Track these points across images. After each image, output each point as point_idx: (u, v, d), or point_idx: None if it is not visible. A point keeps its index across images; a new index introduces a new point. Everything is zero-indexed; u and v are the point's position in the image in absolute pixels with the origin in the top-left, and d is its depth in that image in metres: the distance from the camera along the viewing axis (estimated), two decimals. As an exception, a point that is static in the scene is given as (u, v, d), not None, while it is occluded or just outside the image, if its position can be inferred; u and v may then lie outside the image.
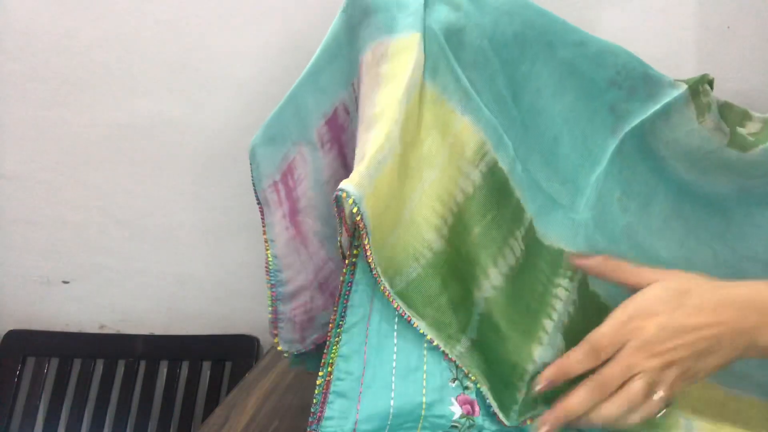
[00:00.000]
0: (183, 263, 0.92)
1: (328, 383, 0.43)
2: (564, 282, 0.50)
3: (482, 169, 0.47)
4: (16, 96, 0.88)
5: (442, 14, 0.45)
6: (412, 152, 0.44)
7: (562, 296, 0.49)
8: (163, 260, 0.92)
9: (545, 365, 0.43)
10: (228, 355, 0.91)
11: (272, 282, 0.52)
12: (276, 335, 0.52)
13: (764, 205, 0.52)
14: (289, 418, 0.60)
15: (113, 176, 0.89)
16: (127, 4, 0.83)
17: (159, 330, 0.94)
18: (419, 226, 0.44)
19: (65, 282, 0.95)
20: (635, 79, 0.50)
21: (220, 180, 0.87)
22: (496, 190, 0.48)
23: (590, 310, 0.50)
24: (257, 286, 0.91)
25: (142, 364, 0.92)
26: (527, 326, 0.48)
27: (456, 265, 0.46)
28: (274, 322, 0.51)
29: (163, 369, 0.92)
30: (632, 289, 0.42)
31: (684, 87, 0.50)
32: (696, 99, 0.50)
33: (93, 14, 0.83)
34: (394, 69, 0.43)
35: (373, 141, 0.39)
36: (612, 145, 0.52)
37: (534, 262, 0.49)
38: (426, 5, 0.45)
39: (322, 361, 0.44)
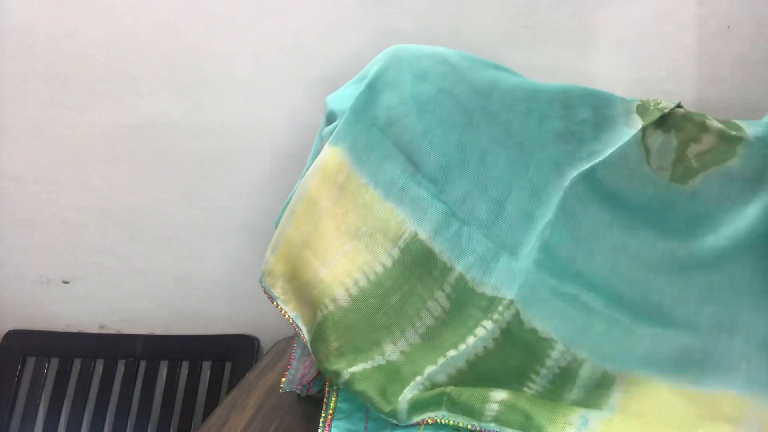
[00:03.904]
0: (183, 263, 0.92)
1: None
2: (488, 324, 0.52)
3: (401, 246, 0.54)
4: (16, 96, 0.88)
5: (383, 105, 0.57)
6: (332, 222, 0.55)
7: (479, 334, 0.52)
8: (163, 260, 0.92)
9: (431, 380, 0.50)
10: (228, 355, 0.91)
11: (297, 342, 0.59)
12: (285, 377, 0.60)
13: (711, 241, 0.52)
14: (289, 418, 0.60)
15: (113, 176, 0.89)
16: (127, 4, 0.83)
17: (159, 330, 0.94)
18: (330, 284, 0.53)
19: (65, 282, 0.95)
20: (584, 131, 0.54)
21: (220, 180, 0.87)
22: (413, 260, 0.54)
23: (518, 345, 0.52)
24: (257, 286, 0.91)
25: (142, 364, 0.92)
26: (431, 347, 0.52)
27: (364, 321, 0.53)
28: (288, 367, 0.60)
29: (163, 369, 0.92)
30: None
31: (638, 128, 0.52)
32: (645, 140, 0.52)
33: (93, 14, 0.84)
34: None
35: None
36: (559, 193, 0.54)
37: (463, 312, 0.53)
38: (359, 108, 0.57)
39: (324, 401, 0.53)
